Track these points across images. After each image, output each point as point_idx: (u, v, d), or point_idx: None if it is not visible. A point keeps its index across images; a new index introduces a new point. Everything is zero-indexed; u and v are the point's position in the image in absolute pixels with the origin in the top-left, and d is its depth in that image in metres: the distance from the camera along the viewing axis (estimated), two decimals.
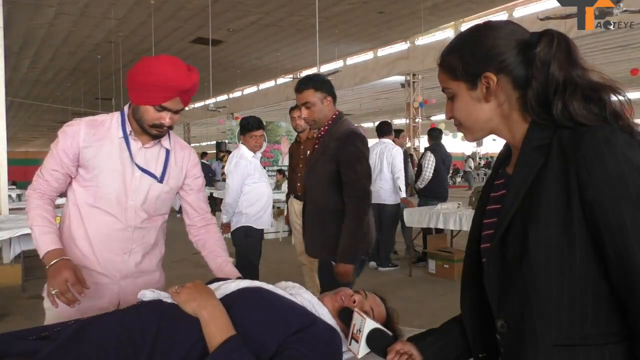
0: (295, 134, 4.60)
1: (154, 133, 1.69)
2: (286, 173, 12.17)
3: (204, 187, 1.95)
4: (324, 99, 2.43)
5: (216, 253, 1.88)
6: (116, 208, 1.70)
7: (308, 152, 4.38)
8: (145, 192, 1.73)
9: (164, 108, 1.63)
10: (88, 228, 1.69)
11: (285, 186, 10.69)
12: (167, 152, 1.79)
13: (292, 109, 4.49)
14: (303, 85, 2.43)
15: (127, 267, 1.75)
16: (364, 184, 2.40)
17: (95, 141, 1.68)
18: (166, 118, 1.65)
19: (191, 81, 1.61)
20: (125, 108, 1.75)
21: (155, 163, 1.76)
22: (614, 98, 0.88)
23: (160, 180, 1.76)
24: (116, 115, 1.75)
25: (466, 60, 0.94)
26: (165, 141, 1.79)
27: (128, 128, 1.71)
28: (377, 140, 6.22)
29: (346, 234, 2.35)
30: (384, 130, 6.09)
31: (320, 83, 2.45)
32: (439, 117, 22.89)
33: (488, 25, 0.96)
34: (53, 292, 1.45)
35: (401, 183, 5.82)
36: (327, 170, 2.42)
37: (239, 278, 1.64)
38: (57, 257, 1.53)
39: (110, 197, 1.69)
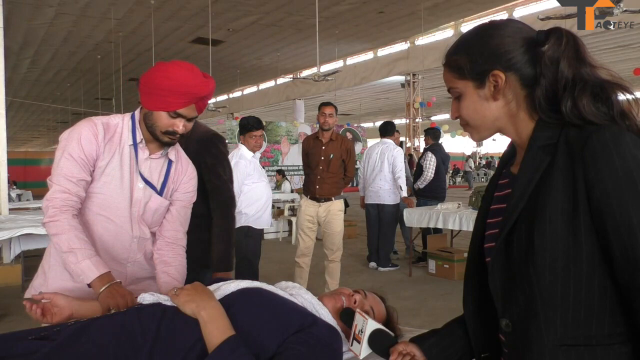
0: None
1: (166, 140, 1.63)
2: (285, 173, 12.15)
3: (191, 205, 1.83)
4: None
5: (171, 275, 1.72)
6: (122, 217, 1.65)
7: (332, 155, 4.38)
8: (145, 204, 1.68)
9: (179, 115, 1.57)
10: (94, 235, 1.63)
11: (285, 186, 10.74)
12: (170, 163, 1.74)
13: (324, 105, 4.49)
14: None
15: (132, 275, 1.71)
16: (229, 188, 2.32)
17: (108, 148, 1.61)
18: (179, 125, 1.59)
19: (208, 88, 1.57)
20: (136, 112, 1.68)
21: (158, 175, 1.71)
22: (621, 97, 0.87)
23: (160, 193, 1.71)
24: (127, 119, 1.68)
25: (474, 59, 0.94)
26: (171, 153, 1.73)
27: (139, 136, 1.65)
28: (378, 140, 6.23)
29: (221, 240, 2.25)
30: (387, 130, 6.09)
31: None
32: (439, 117, 22.91)
33: (494, 24, 0.96)
34: (113, 311, 1.41)
35: (402, 182, 5.83)
36: None
37: (238, 278, 1.63)
38: (109, 281, 1.48)
39: (117, 206, 1.64)
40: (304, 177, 4.73)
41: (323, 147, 4.43)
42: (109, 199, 1.63)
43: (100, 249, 1.63)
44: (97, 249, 1.60)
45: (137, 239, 1.70)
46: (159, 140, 1.63)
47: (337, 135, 4.56)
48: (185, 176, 1.79)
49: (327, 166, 4.40)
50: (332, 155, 4.41)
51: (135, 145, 1.65)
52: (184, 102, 1.55)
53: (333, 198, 4.44)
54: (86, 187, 1.59)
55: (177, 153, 1.77)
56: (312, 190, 4.44)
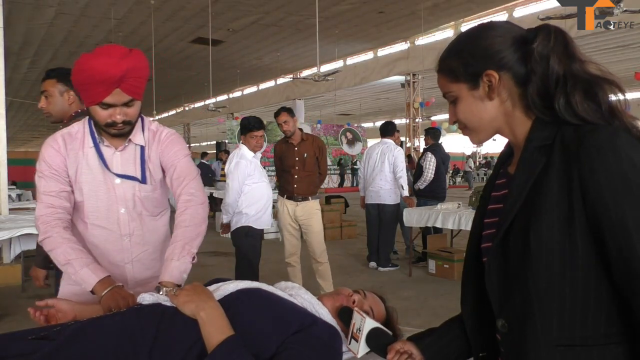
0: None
1: (113, 132, 1.57)
2: None
3: (186, 157, 1.72)
4: (65, 92, 2.25)
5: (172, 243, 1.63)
6: (107, 220, 1.64)
7: (306, 155, 4.39)
8: (132, 197, 1.66)
9: (108, 105, 1.49)
10: (86, 242, 1.64)
11: None
12: (142, 149, 1.67)
13: (276, 115, 4.43)
14: (47, 74, 2.26)
15: (133, 276, 1.69)
16: None
17: (72, 156, 1.61)
18: (116, 115, 1.51)
19: (121, 68, 1.43)
20: None
21: (134, 164, 1.66)
22: (612, 95, 0.88)
23: (143, 181, 1.66)
24: (86, 122, 1.65)
25: (466, 61, 0.94)
26: (138, 137, 1.66)
27: (97, 135, 1.63)
28: (377, 140, 6.23)
29: None
30: (387, 129, 6.10)
31: (64, 75, 2.21)
32: (439, 117, 22.91)
33: (483, 26, 0.97)
34: (114, 312, 1.41)
35: (403, 182, 5.84)
36: None
37: (238, 278, 1.63)
38: (110, 285, 1.48)
39: (99, 211, 1.63)
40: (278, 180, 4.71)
41: (296, 149, 4.44)
42: (88, 206, 1.63)
43: (96, 255, 1.62)
44: (94, 254, 1.61)
45: (129, 236, 1.68)
46: (108, 133, 1.59)
47: (307, 135, 4.56)
48: (162, 144, 1.70)
49: (303, 165, 4.41)
50: (306, 155, 4.43)
51: (96, 146, 1.63)
52: (104, 91, 1.46)
53: (310, 197, 4.44)
54: (69, 197, 1.61)
55: (146, 135, 1.69)
56: (290, 189, 4.44)
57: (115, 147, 1.64)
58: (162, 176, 1.73)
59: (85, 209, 1.63)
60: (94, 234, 1.65)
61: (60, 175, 1.59)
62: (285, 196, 4.48)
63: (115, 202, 1.64)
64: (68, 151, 1.61)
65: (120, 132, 1.59)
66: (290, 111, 4.40)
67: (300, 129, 4.56)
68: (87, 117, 1.67)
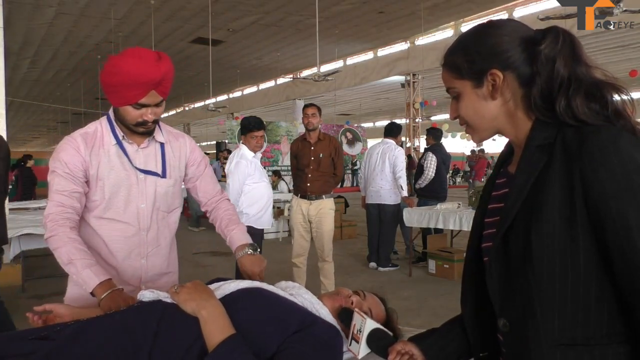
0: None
1: (141, 131, 1.64)
2: (282, 174, 12.13)
3: (208, 168, 1.90)
4: None
5: (224, 223, 1.85)
6: (127, 214, 1.67)
7: (321, 155, 4.41)
8: (153, 192, 1.71)
9: (142, 105, 1.56)
10: (103, 239, 1.67)
11: (281, 186, 10.74)
12: (162, 145, 1.76)
13: (306, 107, 4.56)
14: None
15: (147, 272, 1.73)
16: None
17: (94, 155, 1.64)
18: (147, 114, 1.59)
19: (160, 72, 1.52)
20: (110, 112, 1.70)
21: (155, 160, 1.73)
22: (616, 97, 0.87)
23: (164, 176, 1.73)
24: (104, 122, 1.70)
25: (471, 58, 0.94)
26: (158, 135, 1.74)
27: (119, 133, 1.67)
28: (377, 140, 6.23)
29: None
30: (392, 130, 6.11)
31: None
32: (440, 117, 22.92)
33: (491, 23, 0.96)
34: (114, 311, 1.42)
35: (403, 182, 5.84)
36: None
37: (239, 278, 1.64)
38: (110, 287, 1.48)
39: (119, 206, 1.66)
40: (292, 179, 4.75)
41: (312, 148, 4.46)
42: (109, 201, 1.66)
43: (113, 250, 1.66)
44: (109, 252, 1.65)
45: (147, 231, 1.72)
46: (135, 132, 1.65)
47: (324, 135, 4.58)
48: (187, 149, 1.83)
49: (318, 165, 4.42)
50: (321, 155, 4.44)
51: (119, 143, 1.67)
52: (141, 93, 1.52)
53: (324, 196, 4.45)
54: (81, 198, 1.62)
55: (166, 134, 1.78)
56: (304, 188, 4.45)
57: (138, 144, 1.70)
58: (183, 174, 1.83)
59: (105, 205, 1.65)
60: (113, 228, 1.67)
61: (74, 176, 1.61)
62: (299, 195, 4.49)
63: (137, 197, 1.69)
64: (89, 150, 1.64)
65: (147, 131, 1.66)
66: (319, 109, 4.55)
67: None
68: (105, 117, 1.71)
